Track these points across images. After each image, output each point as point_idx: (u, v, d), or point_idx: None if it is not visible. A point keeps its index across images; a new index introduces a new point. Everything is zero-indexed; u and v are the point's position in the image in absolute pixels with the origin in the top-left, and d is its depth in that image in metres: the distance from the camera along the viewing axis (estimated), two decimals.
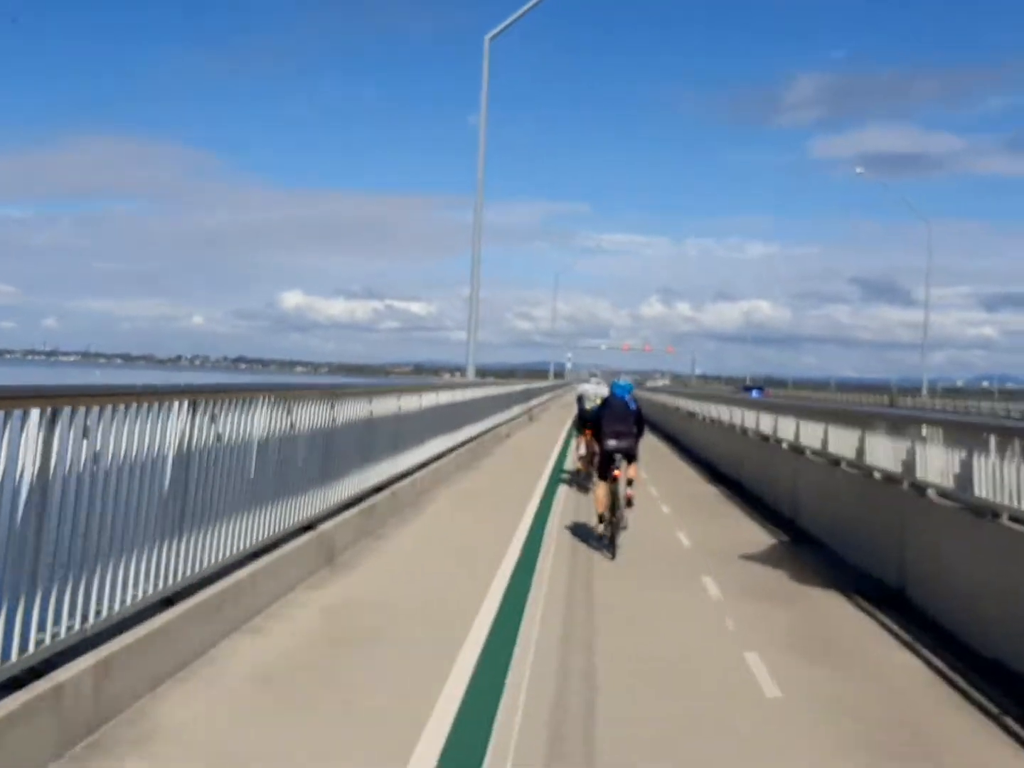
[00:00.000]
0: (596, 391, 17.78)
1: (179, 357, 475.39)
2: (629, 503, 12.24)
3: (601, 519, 12.00)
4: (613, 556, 11.42)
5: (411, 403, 15.24)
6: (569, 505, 15.74)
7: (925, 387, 71.83)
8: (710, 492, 19.31)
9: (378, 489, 12.63)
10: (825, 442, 14.31)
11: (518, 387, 41.32)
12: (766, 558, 11.90)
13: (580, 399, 18.86)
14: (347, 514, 10.74)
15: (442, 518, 13.70)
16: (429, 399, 17.12)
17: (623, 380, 13.41)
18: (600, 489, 12.17)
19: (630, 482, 12.26)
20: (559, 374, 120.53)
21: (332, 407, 10.05)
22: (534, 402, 48.10)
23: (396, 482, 13.74)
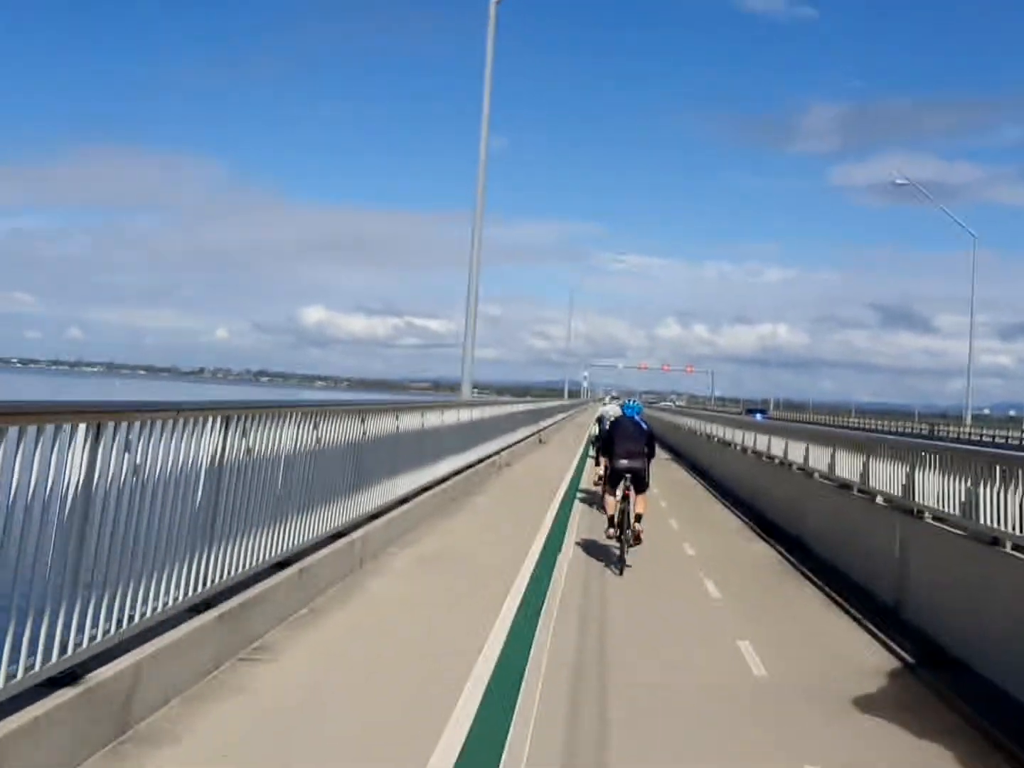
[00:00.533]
0: (616, 413, 17.24)
1: (202, 370, 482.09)
2: (638, 539, 12.12)
3: (611, 522, 12.22)
4: (621, 572, 11.50)
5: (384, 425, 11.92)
6: (577, 579, 10.93)
7: (968, 415, 67.05)
8: (766, 555, 14.04)
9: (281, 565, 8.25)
10: (969, 506, 8.70)
11: (525, 406, 36.31)
12: (893, 703, 7.05)
13: (600, 420, 18.79)
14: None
15: (386, 608, 9.04)
16: (409, 421, 13.49)
17: (634, 401, 13.90)
18: (608, 502, 12.47)
19: (639, 517, 12.15)
20: (575, 393, 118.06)
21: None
22: (546, 423, 43.20)
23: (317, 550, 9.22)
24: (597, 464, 19.07)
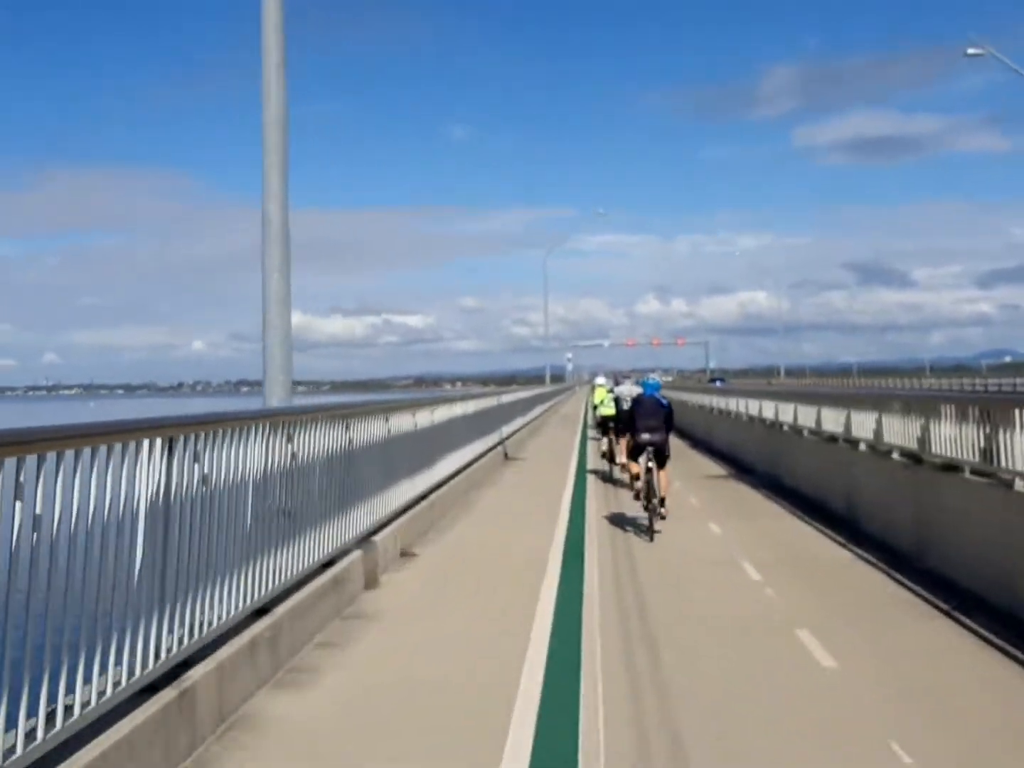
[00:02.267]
0: (631, 391, 18.76)
1: (180, 384, 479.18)
2: (662, 518, 13.26)
3: (638, 495, 13.72)
4: (651, 539, 12.66)
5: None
6: None
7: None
8: (838, 558, 11.64)
9: None
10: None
11: (467, 406, 20.06)
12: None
13: (617, 400, 20.07)
14: None
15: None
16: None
17: (652, 379, 14.85)
18: (634, 464, 14.04)
19: (662, 501, 13.31)
20: (559, 377, 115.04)
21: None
22: (516, 423, 30.56)
23: None
24: (617, 442, 20.60)
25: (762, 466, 21.05)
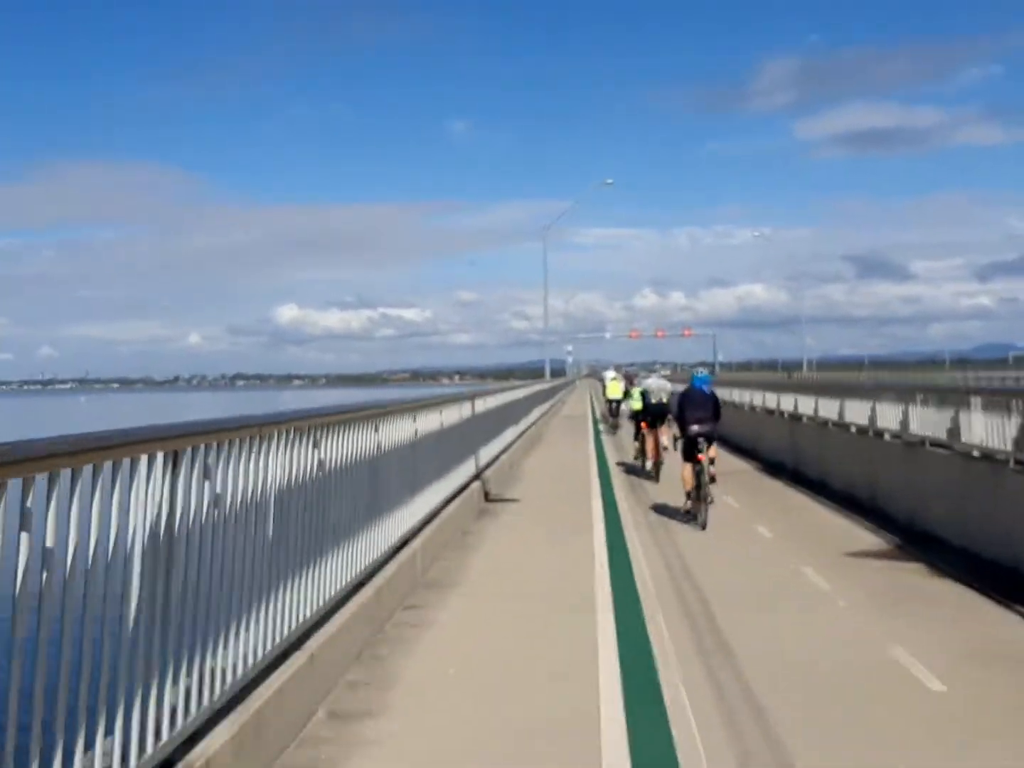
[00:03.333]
0: (659, 385, 19.53)
1: (176, 378, 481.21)
2: (712, 480, 13.86)
3: (689, 496, 13.94)
4: (704, 527, 13.11)
5: None
6: None
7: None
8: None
9: None
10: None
11: (430, 418, 11.14)
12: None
13: (645, 394, 19.90)
14: None
15: None
16: None
17: (701, 372, 15.06)
18: (686, 470, 13.94)
19: (712, 461, 13.96)
20: (559, 372, 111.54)
21: None
22: (504, 438, 20.46)
23: None
24: (636, 439, 21.52)
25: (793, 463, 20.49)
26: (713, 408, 14.07)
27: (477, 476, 15.09)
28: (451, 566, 10.37)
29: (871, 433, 15.45)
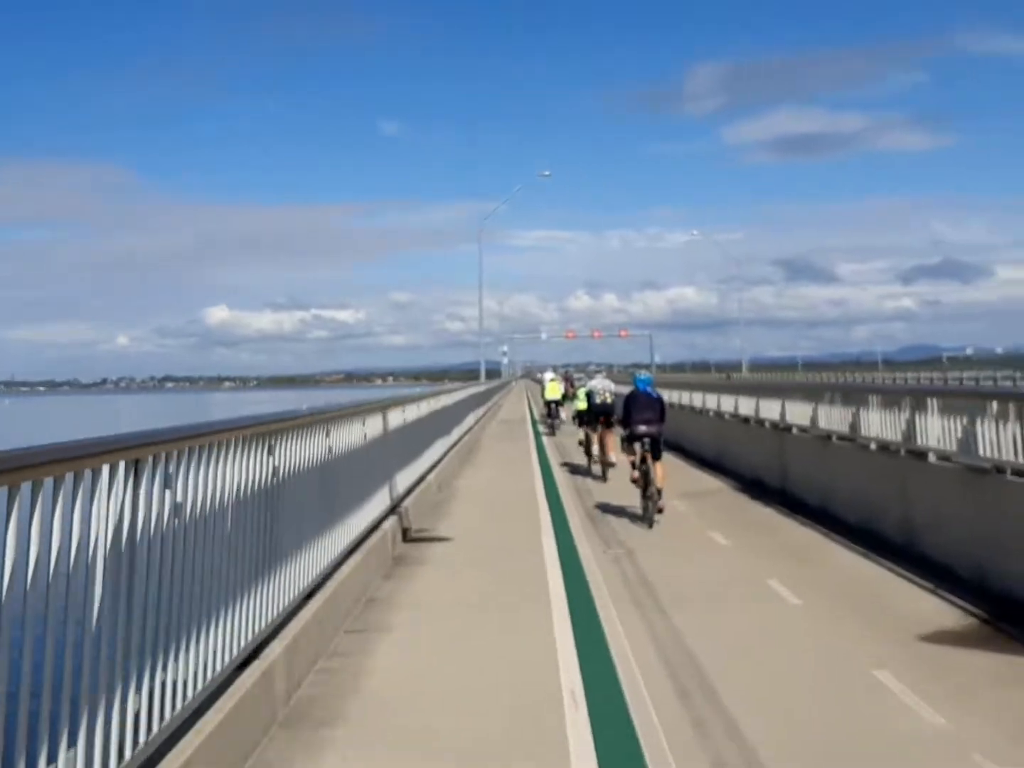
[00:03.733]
0: (604, 386, 19.57)
1: (104, 380, 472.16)
2: (660, 511, 13.62)
3: (633, 465, 14.13)
4: (651, 526, 13.32)
5: None
6: None
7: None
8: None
9: None
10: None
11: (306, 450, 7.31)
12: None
13: (590, 395, 20.25)
14: None
15: None
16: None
17: (644, 375, 15.24)
18: (633, 471, 14.17)
19: (659, 492, 13.68)
20: (494, 372, 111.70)
21: None
22: (433, 453, 17.65)
23: None
24: (581, 443, 21.92)
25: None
26: (659, 410, 14.25)
27: (393, 509, 11.85)
28: (329, 690, 6.36)
29: (903, 452, 11.62)
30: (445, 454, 19.49)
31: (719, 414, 22.28)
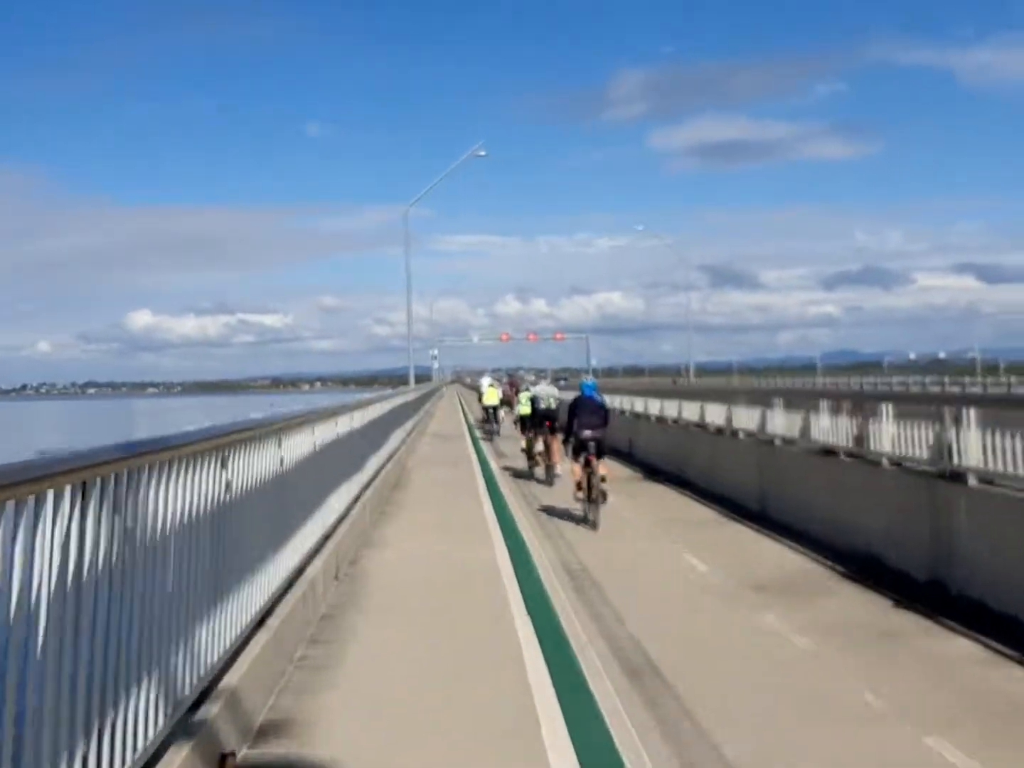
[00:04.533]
0: (548, 391, 20.09)
1: (24, 386, 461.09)
2: (604, 497, 13.98)
3: (579, 486, 14.19)
4: (595, 528, 13.63)
5: None
6: None
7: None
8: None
9: None
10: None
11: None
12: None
13: (535, 400, 20.21)
14: None
15: None
16: None
17: (590, 380, 15.83)
18: (576, 467, 14.40)
19: (603, 478, 14.09)
20: (424, 377, 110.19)
21: None
22: (339, 502, 11.10)
23: None
24: (524, 433, 21.66)
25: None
26: (603, 415, 14.65)
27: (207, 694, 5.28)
28: None
29: (945, 474, 9.66)
30: (355, 501, 12.68)
31: (677, 422, 20.71)
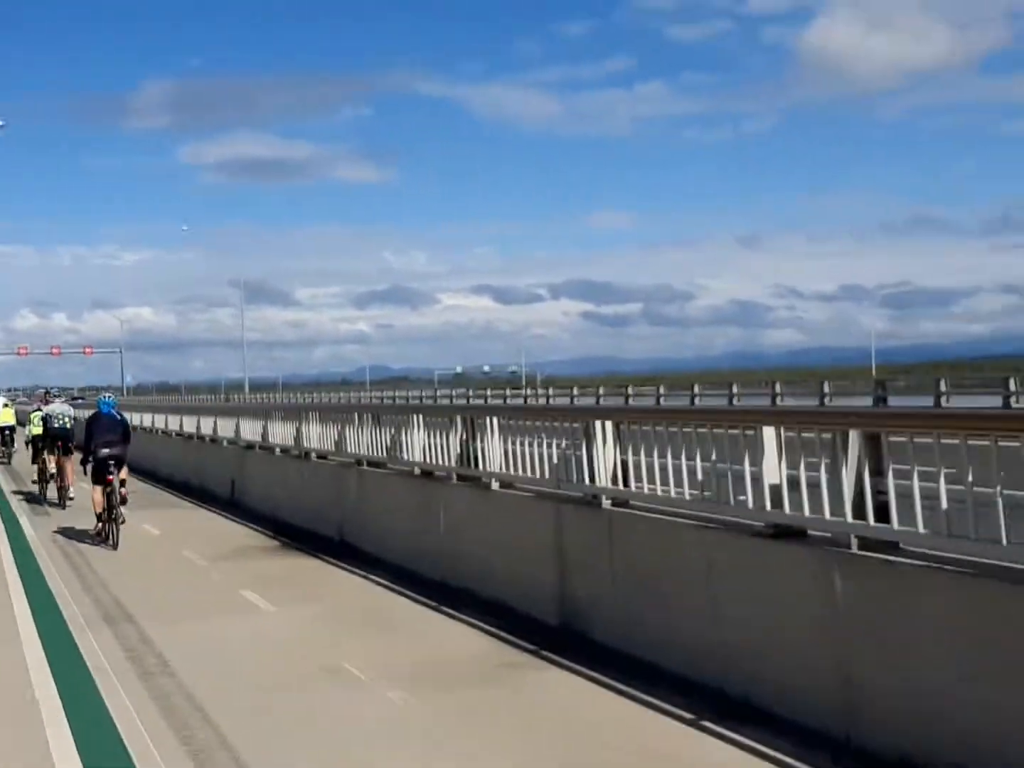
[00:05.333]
0: (63, 410, 19.82)
1: None
2: (124, 501, 14.56)
3: (99, 518, 14.19)
4: (116, 547, 13.80)
5: None
6: None
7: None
8: None
9: None
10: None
11: None
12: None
13: (47, 418, 19.79)
14: None
15: None
16: None
17: (108, 397, 15.73)
18: (97, 493, 14.22)
19: (123, 482, 14.63)
20: None
21: None
22: None
23: None
24: (34, 462, 21.35)
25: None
26: (123, 432, 14.81)
27: None
28: None
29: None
30: None
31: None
